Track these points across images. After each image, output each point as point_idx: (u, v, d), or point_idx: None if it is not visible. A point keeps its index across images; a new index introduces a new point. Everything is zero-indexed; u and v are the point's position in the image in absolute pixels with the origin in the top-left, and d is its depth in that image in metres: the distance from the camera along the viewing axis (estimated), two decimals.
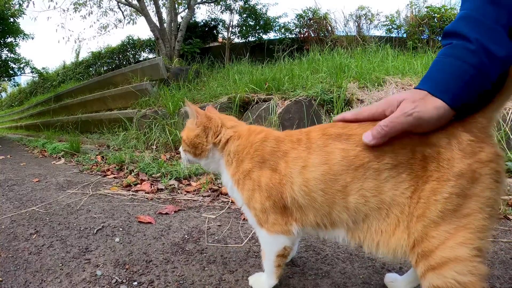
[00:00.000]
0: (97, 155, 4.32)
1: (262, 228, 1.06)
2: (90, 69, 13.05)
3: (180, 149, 1.28)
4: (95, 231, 1.83)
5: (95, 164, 3.86)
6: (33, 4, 10.78)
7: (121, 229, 1.86)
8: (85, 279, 1.33)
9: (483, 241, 0.77)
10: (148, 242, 1.68)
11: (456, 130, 0.81)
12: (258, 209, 1.04)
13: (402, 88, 3.42)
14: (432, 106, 0.79)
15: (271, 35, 9.39)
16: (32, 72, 15.40)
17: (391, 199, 0.84)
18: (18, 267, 1.45)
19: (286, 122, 3.42)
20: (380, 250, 0.88)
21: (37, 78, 16.55)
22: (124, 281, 1.31)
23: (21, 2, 12.26)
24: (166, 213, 2.10)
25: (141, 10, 8.23)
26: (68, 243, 1.69)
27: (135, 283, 1.29)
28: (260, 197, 1.02)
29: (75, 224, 1.95)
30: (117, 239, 1.72)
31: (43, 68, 15.99)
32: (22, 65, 15.02)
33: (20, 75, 15.75)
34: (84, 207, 2.27)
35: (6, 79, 16.36)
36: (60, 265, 1.45)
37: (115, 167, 3.50)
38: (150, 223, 1.93)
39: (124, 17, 11.46)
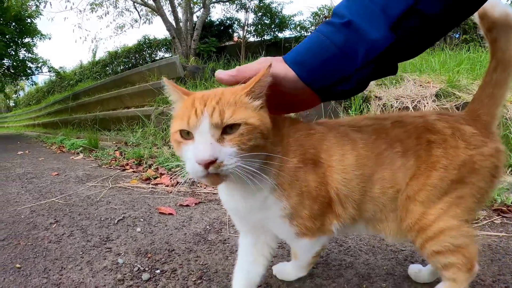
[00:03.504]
0: (115, 150, 4.36)
1: (303, 238, 0.93)
2: (107, 68, 13.24)
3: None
4: (116, 221, 1.84)
5: (113, 159, 3.89)
6: (50, 4, 11.03)
7: (142, 220, 1.86)
8: (106, 267, 1.34)
9: (471, 216, 0.90)
10: (169, 232, 1.68)
11: (458, 123, 0.88)
12: (307, 217, 0.88)
13: (420, 85, 3.38)
14: (283, 67, 0.84)
15: (287, 33, 9.43)
16: (49, 71, 15.67)
17: (401, 186, 0.89)
18: (37, 254, 1.46)
19: (304, 119, 3.39)
20: (393, 237, 0.95)
21: (54, 77, 16.83)
22: (146, 269, 1.31)
23: (38, 4, 12.50)
24: (187, 205, 2.10)
25: (157, 10, 8.31)
26: (89, 232, 1.70)
27: (158, 271, 1.29)
28: (310, 200, 0.87)
29: (95, 215, 1.97)
30: (138, 229, 1.72)
31: (60, 68, 16.26)
32: (39, 65, 15.30)
33: (37, 74, 16.05)
34: (104, 199, 2.28)
35: (24, 78, 16.65)
36: (81, 253, 1.46)
37: (134, 162, 3.52)
38: (171, 214, 1.93)
39: (140, 17, 11.60)
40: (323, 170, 0.88)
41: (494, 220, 1.70)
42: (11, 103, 33.55)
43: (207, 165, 0.72)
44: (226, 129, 0.76)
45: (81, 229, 1.74)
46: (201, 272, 1.28)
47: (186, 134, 0.79)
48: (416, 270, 1.18)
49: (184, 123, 0.78)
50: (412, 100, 3.18)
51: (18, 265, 1.35)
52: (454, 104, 3.10)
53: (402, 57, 0.83)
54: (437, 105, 3.09)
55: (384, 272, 1.24)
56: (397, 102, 3.20)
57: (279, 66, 0.84)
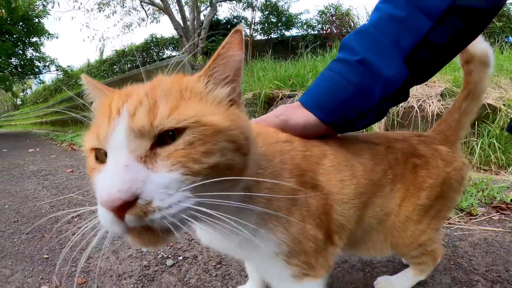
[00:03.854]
0: None
1: (305, 279, 0.73)
2: (114, 66, 13.35)
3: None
4: None
5: None
6: (58, 4, 11.02)
7: None
8: (131, 255, 1.42)
9: (443, 224, 1.01)
10: None
11: (435, 144, 0.93)
12: (312, 251, 0.71)
13: (426, 85, 3.39)
14: (301, 114, 0.83)
15: (293, 32, 9.46)
16: (57, 70, 15.82)
17: (391, 209, 0.88)
18: (63, 246, 1.54)
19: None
20: (376, 254, 0.98)
21: (61, 76, 16.96)
22: (169, 256, 1.40)
23: (45, 4, 12.61)
24: None
25: (165, 9, 8.38)
26: None
27: (180, 257, 1.39)
28: (314, 229, 0.71)
29: None
30: None
31: (68, 66, 16.44)
32: (47, 64, 15.44)
33: (45, 73, 16.21)
34: None
35: (31, 77, 16.80)
36: (106, 243, 1.52)
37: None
38: None
39: (147, 16, 11.67)
40: (323, 195, 0.74)
41: (492, 216, 1.75)
42: (18, 102, 33.79)
43: (119, 210, 0.42)
44: (164, 139, 0.48)
45: None
46: (219, 258, 1.38)
47: (103, 155, 0.51)
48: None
49: (93, 136, 0.51)
50: (418, 100, 3.20)
51: (45, 256, 1.43)
52: None
53: (414, 84, 0.85)
54: (442, 105, 3.11)
55: (385, 260, 1.33)
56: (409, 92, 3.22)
57: (298, 114, 0.83)
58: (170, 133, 0.47)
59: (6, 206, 2.17)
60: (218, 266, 1.32)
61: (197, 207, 0.45)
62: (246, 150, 0.53)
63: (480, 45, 0.89)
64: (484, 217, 1.74)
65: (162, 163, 0.45)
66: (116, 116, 0.48)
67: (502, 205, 1.86)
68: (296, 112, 0.83)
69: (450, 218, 1.69)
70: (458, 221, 1.68)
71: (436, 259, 1.02)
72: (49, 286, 1.20)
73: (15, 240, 1.62)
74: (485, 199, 1.93)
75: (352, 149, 0.85)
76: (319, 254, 0.73)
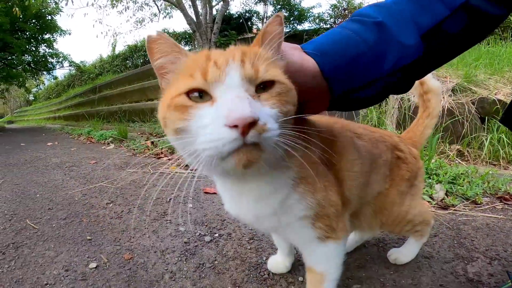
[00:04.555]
0: (146, 140, 4.51)
1: (328, 240, 0.83)
2: (127, 61, 13.49)
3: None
4: (168, 200, 2.00)
5: (146, 149, 4.04)
6: (72, 2, 11.10)
7: (191, 198, 2.03)
8: (171, 234, 1.52)
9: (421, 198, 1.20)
10: (217, 207, 1.86)
11: (409, 146, 1.13)
12: (334, 215, 0.81)
13: (437, 80, 3.42)
14: (300, 55, 0.72)
15: (306, 26, 9.44)
16: (70, 65, 16.00)
17: (381, 189, 1.03)
18: (103, 228, 1.62)
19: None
20: (362, 228, 1.11)
21: (74, 71, 17.17)
22: (206, 234, 1.52)
23: (57, 1, 12.74)
24: None
25: (178, 5, 8.43)
26: (146, 209, 1.86)
27: (216, 235, 1.50)
28: (334, 195, 0.81)
29: (146, 195, 2.13)
30: (190, 205, 1.90)
31: (81, 62, 16.61)
32: (60, 60, 15.62)
33: (58, 68, 16.40)
34: (149, 183, 2.44)
35: (44, 73, 17.01)
36: (145, 225, 1.62)
37: (167, 151, 3.66)
38: (215, 193, 2.08)
39: (160, 11, 11.73)
40: (335, 171, 0.84)
41: (496, 205, 1.83)
42: (31, 97, 34.19)
43: (248, 126, 0.52)
44: (257, 89, 0.60)
45: (137, 207, 1.90)
46: (251, 234, 1.49)
47: (198, 97, 0.59)
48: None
49: (197, 79, 0.59)
50: None
51: (88, 237, 1.51)
52: (470, 99, 3.15)
53: (422, 73, 0.84)
54: (453, 100, 3.14)
55: (396, 237, 1.45)
56: (414, 96, 3.24)
57: (295, 53, 0.72)
58: (262, 85, 0.60)
59: (38, 195, 2.24)
60: (251, 241, 1.44)
61: (284, 137, 0.58)
62: (295, 106, 0.65)
63: (433, 81, 1.17)
64: (487, 206, 1.82)
65: (265, 102, 0.59)
66: (225, 65, 0.58)
67: (506, 196, 1.94)
68: (293, 51, 0.72)
69: (456, 205, 1.80)
70: (463, 208, 1.78)
71: (429, 223, 1.21)
72: (97, 263, 1.28)
73: (53, 225, 1.69)
74: (490, 190, 2.01)
75: (355, 132, 0.96)
76: (339, 218, 0.83)
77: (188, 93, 0.60)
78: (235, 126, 0.52)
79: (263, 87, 0.60)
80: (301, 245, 0.88)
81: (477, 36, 0.81)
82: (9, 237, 1.55)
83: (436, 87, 1.19)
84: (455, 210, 1.75)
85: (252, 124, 0.52)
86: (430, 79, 1.16)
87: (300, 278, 1.15)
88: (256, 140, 0.53)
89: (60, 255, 1.36)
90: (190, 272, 1.21)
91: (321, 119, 0.92)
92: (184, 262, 1.28)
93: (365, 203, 1.01)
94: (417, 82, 1.12)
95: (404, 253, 1.25)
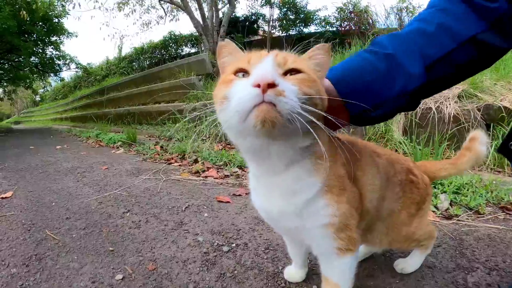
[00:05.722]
0: (155, 145, 4.59)
1: (346, 254, 0.89)
2: (134, 63, 13.58)
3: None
4: (183, 209, 2.08)
5: (156, 153, 4.10)
6: (79, 5, 11.24)
7: (205, 207, 2.10)
8: (190, 244, 1.60)
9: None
10: (232, 216, 1.94)
11: (422, 172, 1.18)
12: (354, 228, 0.88)
13: None
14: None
15: (312, 29, 9.47)
16: (77, 67, 16.11)
17: (394, 208, 1.08)
18: (124, 238, 1.68)
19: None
20: (380, 245, 1.17)
21: (80, 73, 17.29)
22: (224, 244, 1.59)
23: (64, 4, 12.85)
24: (239, 195, 2.34)
25: (184, 8, 8.51)
26: (162, 218, 1.94)
27: (233, 244, 1.58)
28: (355, 210, 0.88)
29: (161, 204, 2.20)
30: (205, 214, 1.98)
31: (88, 64, 16.73)
32: (67, 62, 15.73)
33: (65, 70, 16.51)
34: (163, 190, 2.51)
35: (52, 75, 17.12)
36: (163, 235, 1.70)
37: (177, 156, 3.74)
38: (228, 202, 2.18)
39: (166, 14, 11.82)
40: (358, 186, 0.91)
41: (498, 215, 1.89)
42: (37, 98, 34.40)
43: (269, 86, 0.63)
44: (287, 74, 0.73)
45: (154, 216, 1.97)
46: (266, 244, 1.57)
47: (242, 76, 0.74)
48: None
49: (244, 62, 0.75)
50: (435, 101, 3.29)
51: (110, 248, 1.57)
52: (476, 105, 3.18)
53: (427, 95, 0.94)
54: (459, 107, 3.18)
55: None
56: (420, 103, 3.25)
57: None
58: (290, 73, 0.72)
59: (54, 204, 2.26)
60: (267, 250, 1.51)
61: (300, 112, 0.66)
62: (322, 106, 0.74)
63: (482, 148, 1.22)
64: (490, 216, 1.88)
65: (289, 81, 0.69)
66: (264, 55, 0.74)
67: (508, 206, 1.99)
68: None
69: (459, 215, 1.87)
70: (466, 219, 1.84)
71: (433, 237, 1.27)
72: (123, 274, 1.34)
73: (73, 235, 1.72)
74: (493, 200, 2.07)
75: (374, 151, 1.05)
76: (356, 231, 0.89)
77: (235, 73, 0.75)
78: (258, 86, 0.64)
79: (291, 74, 0.72)
80: (320, 254, 0.94)
81: (483, 65, 0.91)
82: (30, 248, 1.57)
83: (480, 153, 1.22)
84: (458, 220, 1.82)
85: (271, 85, 0.63)
86: (481, 145, 1.22)
87: (314, 287, 1.23)
88: (273, 100, 0.64)
89: (85, 267, 1.40)
90: (213, 282, 1.29)
91: (344, 137, 0.99)
92: (206, 272, 1.36)
93: (380, 218, 1.05)
94: (468, 136, 1.25)
95: (410, 263, 1.32)
